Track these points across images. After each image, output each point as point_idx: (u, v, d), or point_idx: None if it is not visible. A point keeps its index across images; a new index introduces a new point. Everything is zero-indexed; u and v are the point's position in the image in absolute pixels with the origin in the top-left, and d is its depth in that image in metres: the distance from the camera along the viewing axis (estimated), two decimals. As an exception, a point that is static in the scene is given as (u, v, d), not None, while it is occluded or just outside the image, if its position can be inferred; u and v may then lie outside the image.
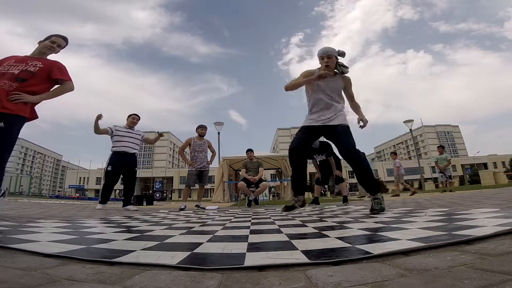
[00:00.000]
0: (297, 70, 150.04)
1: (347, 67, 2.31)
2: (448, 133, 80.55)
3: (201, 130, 4.90)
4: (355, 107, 2.40)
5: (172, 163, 78.79)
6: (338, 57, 2.30)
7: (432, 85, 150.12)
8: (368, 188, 2.12)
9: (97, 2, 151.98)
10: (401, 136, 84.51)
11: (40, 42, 2.33)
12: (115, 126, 4.24)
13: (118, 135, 4.15)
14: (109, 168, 4.04)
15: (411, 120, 15.82)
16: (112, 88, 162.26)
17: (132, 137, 4.27)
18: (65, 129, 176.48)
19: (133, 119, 4.38)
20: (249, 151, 5.60)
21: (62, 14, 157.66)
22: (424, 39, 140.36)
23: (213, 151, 5.10)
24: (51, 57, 2.35)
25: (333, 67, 2.28)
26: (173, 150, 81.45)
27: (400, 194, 8.32)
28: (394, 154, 8.87)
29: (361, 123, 2.32)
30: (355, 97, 2.37)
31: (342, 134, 2.19)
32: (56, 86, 2.29)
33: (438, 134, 78.80)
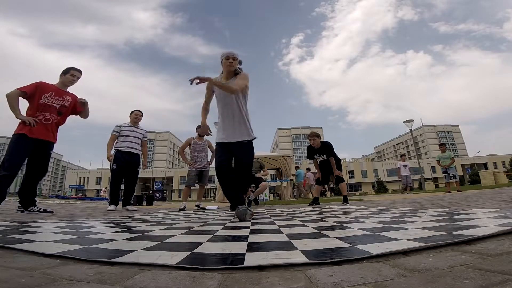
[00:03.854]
0: (297, 71, 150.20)
1: (241, 69, 2.37)
2: (448, 133, 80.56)
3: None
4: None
5: (172, 163, 78.77)
6: (238, 57, 2.33)
7: (432, 86, 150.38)
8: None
9: (98, 3, 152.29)
10: (401, 136, 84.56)
11: (61, 75, 2.87)
12: (119, 126, 4.17)
13: (124, 135, 4.12)
14: (114, 166, 3.99)
15: (411, 120, 15.78)
16: (113, 89, 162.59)
17: (136, 137, 4.21)
18: (65, 129, 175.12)
19: (136, 115, 4.32)
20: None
21: (64, 15, 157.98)
22: (424, 39, 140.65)
23: (213, 151, 5.10)
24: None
25: (234, 69, 2.28)
26: (173, 150, 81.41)
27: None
28: (307, 170, 11.38)
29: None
30: (240, 86, 2.20)
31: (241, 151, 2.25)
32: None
33: (438, 134, 78.82)
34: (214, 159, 2.34)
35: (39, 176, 2.83)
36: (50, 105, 2.71)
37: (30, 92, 2.62)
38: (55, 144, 2.87)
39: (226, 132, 2.26)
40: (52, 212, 2.79)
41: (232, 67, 2.27)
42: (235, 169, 2.26)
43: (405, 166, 9.75)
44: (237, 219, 1.93)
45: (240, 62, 2.36)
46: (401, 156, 10.55)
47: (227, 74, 2.30)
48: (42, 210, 2.73)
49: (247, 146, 2.26)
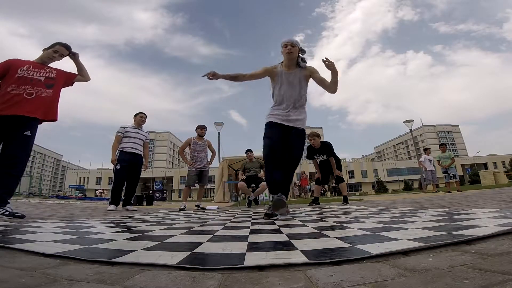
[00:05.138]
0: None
1: (305, 62, 2.25)
2: (448, 133, 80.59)
3: (201, 130, 4.90)
4: (330, 82, 2.19)
5: (172, 163, 78.78)
6: (300, 53, 2.23)
7: (432, 86, 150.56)
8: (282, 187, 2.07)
9: (99, 3, 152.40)
10: (401, 136, 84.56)
11: (44, 50, 2.45)
12: (123, 128, 4.25)
13: (129, 136, 4.19)
14: (118, 167, 4.03)
15: (411, 120, 15.78)
16: (113, 89, 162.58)
17: (140, 139, 4.28)
18: (65, 129, 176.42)
19: (141, 118, 4.39)
20: (249, 151, 5.60)
21: (64, 15, 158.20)
22: (424, 40, 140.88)
23: (213, 151, 5.10)
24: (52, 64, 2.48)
25: (294, 57, 2.18)
26: (173, 150, 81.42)
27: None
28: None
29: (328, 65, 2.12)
30: (325, 79, 2.21)
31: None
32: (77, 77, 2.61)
33: (438, 134, 78.85)
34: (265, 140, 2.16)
35: (12, 163, 2.11)
36: (32, 77, 2.23)
37: (1, 69, 2.18)
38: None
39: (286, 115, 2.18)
40: (23, 216, 2.01)
41: (291, 54, 2.14)
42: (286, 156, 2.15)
43: (430, 161, 8.37)
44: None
45: (303, 51, 2.24)
46: (425, 149, 8.85)
47: (288, 62, 2.19)
48: (8, 213, 2.00)
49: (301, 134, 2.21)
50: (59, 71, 2.46)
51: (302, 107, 2.27)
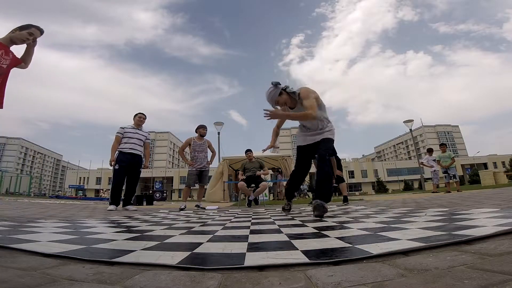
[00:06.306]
0: (297, 71, 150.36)
1: (294, 92, 2.23)
2: (448, 133, 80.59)
3: (202, 130, 4.90)
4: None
5: (172, 163, 78.77)
6: (279, 88, 2.20)
7: (432, 86, 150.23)
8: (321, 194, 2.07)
9: (99, 3, 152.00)
10: (401, 136, 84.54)
11: (15, 30, 2.25)
12: (123, 128, 4.27)
13: (127, 137, 4.20)
14: (117, 167, 4.05)
15: (411, 120, 15.79)
16: (113, 89, 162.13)
17: (139, 139, 4.29)
18: (65, 129, 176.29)
19: (140, 118, 4.41)
20: (248, 151, 5.60)
21: (64, 15, 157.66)
22: (423, 40, 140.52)
23: (213, 151, 5.10)
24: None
25: (289, 102, 2.24)
26: (173, 150, 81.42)
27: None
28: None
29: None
30: (311, 107, 2.12)
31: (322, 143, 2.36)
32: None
33: (438, 134, 78.83)
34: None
35: None
36: (0, 66, 2.16)
37: None
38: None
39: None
40: None
41: (281, 105, 2.24)
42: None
43: (434, 160, 8.01)
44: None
45: (277, 84, 2.20)
46: (428, 150, 8.46)
47: (285, 106, 2.27)
48: None
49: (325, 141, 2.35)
50: (13, 57, 2.28)
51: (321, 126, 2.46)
